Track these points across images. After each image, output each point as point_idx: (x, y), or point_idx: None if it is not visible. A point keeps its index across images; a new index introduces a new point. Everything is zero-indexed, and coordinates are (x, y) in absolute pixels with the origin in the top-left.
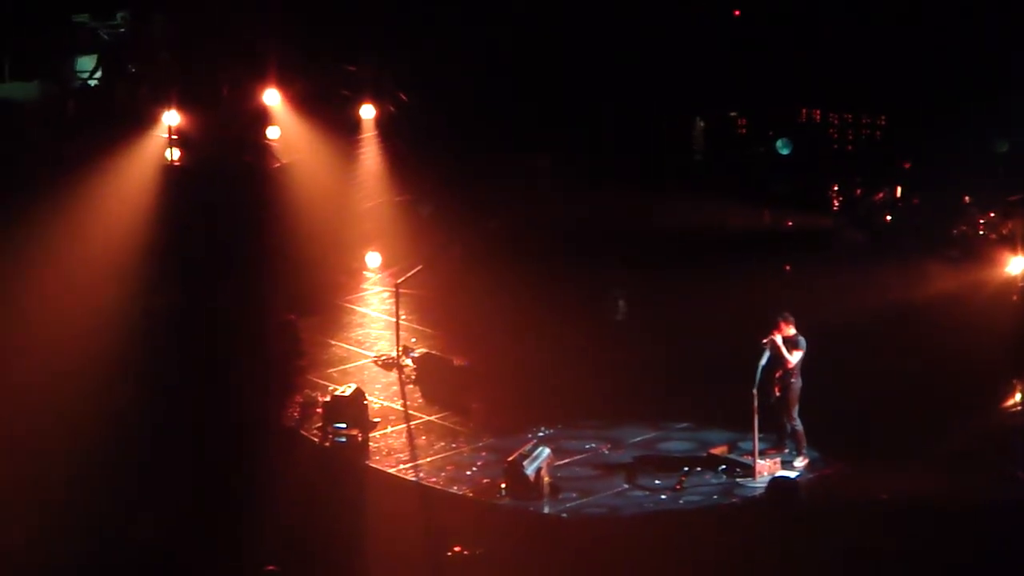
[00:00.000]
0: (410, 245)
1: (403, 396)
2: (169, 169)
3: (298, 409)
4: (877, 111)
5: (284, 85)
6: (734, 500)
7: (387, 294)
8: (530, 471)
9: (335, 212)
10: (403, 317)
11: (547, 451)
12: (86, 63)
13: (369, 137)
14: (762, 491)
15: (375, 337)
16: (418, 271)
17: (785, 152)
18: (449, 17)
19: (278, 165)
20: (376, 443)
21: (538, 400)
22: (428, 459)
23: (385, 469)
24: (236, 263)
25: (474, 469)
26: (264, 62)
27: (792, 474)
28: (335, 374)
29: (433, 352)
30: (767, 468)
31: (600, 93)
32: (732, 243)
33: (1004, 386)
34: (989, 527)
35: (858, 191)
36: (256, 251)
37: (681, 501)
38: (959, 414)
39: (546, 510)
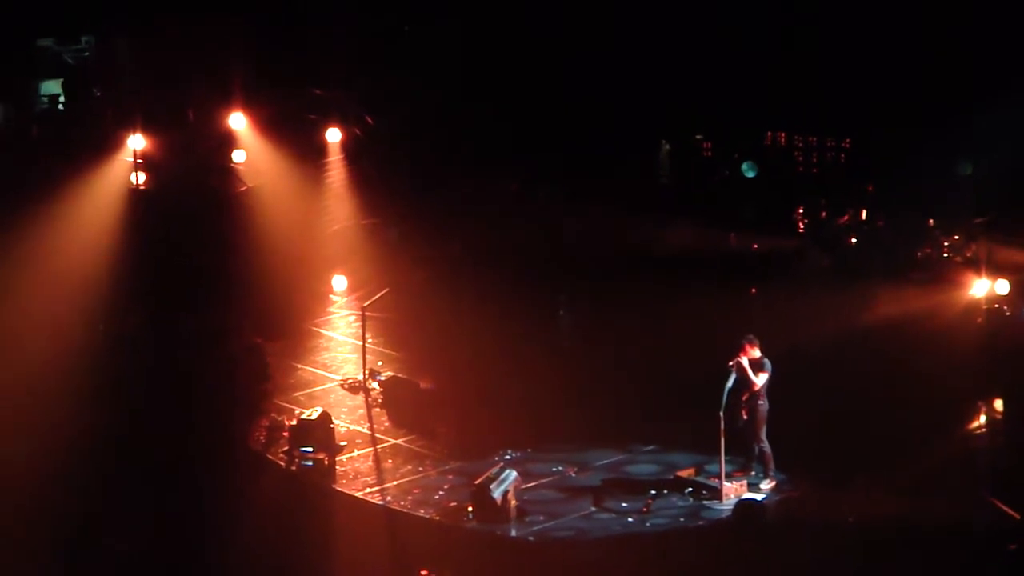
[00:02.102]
0: (376, 268)
1: (370, 419)
2: (134, 193)
3: (265, 433)
4: (842, 134)
5: (250, 108)
6: (701, 523)
7: (353, 317)
8: (497, 494)
9: (301, 235)
10: (369, 340)
11: (514, 474)
12: (50, 87)
13: (335, 160)
14: (729, 513)
15: (341, 360)
16: (384, 294)
17: (750, 175)
18: (415, 41)
19: (244, 189)
20: (343, 467)
21: (505, 423)
22: (395, 482)
23: (352, 493)
24: (202, 287)
25: (441, 492)
26: (230, 85)
27: (759, 496)
28: (302, 397)
29: (400, 375)
30: (734, 491)
31: (567, 117)
32: (698, 266)
33: (969, 408)
34: (955, 549)
35: (823, 214)
36: (222, 275)
37: (648, 524)
38: (925, 436)
39: (513, 533)
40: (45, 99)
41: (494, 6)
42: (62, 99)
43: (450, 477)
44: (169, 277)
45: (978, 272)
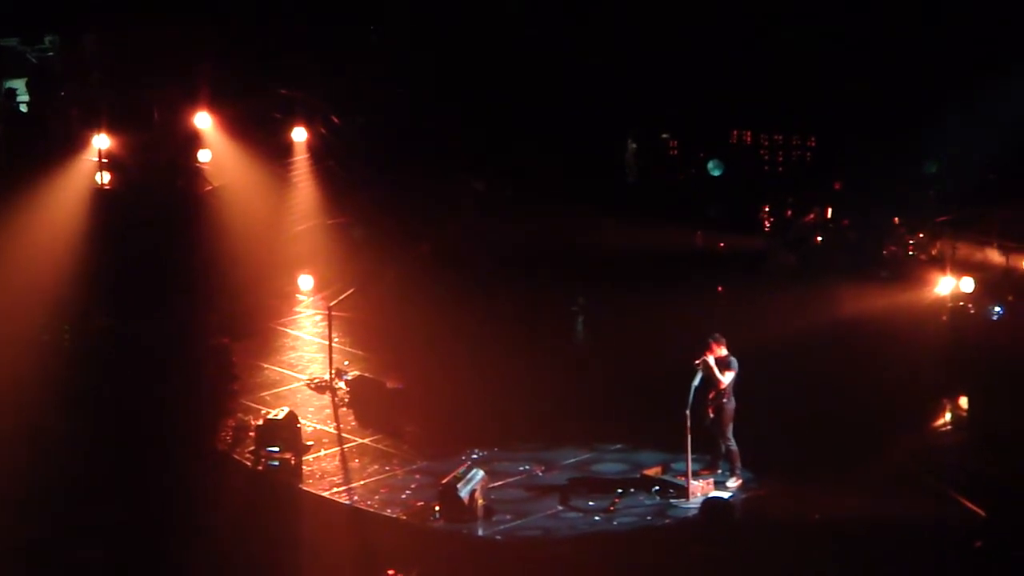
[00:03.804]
0: (342, 268)
1: (336, 419)
2: (100, 193)
3: (231, 433)
4: (807, 133)
5: (215, 108)
6: (667, 521)
7: (320, 317)
8: (464, 493)
9: (267, 235)
10: (336, 340)
11: (481, 473)
12: (14, 86)
13: (301, 160)
14: (695, 512)
15: (308, 360)
16: (351, 294)
17: (716, 174)
18: (382, 40)
19: (209, 188)
20: (309, 466)
21: (472, 422)
22: (362, 482)
23: (318, 492)
24: (168, 287)
25: (408, 492)
26: (195, 85)
27: (725, 494)
28: (268, 397)
29: (366, 375)
30: (700, 489)
31: (533, 116)
32: (665, 265)
33: (934, 405)
34: (920, 546)
35: (789, 212)
36: (188, 274)
37: (615, 523)
38: (891, 434)
39: (480, 532)
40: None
41: (461, 6)
42: (20, 97)
43: (417, 476)
44: (134, 277)
45: (943, 270)
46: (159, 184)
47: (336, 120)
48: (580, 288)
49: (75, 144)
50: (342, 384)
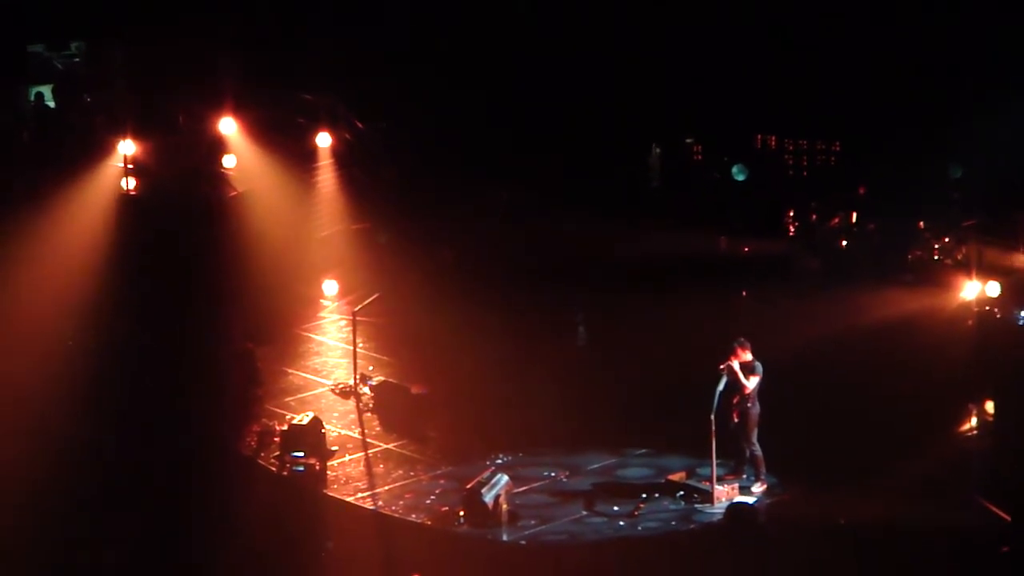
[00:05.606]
0: (367, 273)
1: (361, 424)
2: (125, 198)
3: (255, 438)
4: (832, 137)
5: (240, 113)
6: (692, 526)
7: (344, 322)
8: (488, 499)
9: (292, 240)
10: (360, 345)
11: (505, 478)
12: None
13: (325, 165)
14: (720, 517)
15: (332, 365)
16: (375, 299)
17: (741, 178)
18: (405, 45)
19: (234, 194)
20: (334, 471)
21: (496, 427)
22: (386, 487)
23: (343, 497)
24: (193, 292)
25: (432, 497)
26: (220, 91)
27: (750, 499)
28: (292, 403)
29: (391, 380)
30: (725, 494)
31: (558, 121)
32: (689, 269)
33: (960, 411)
34: (946, 551)
35: (813, 217)
36: (212, 280)
37: (639, 528)
38: (916, 439)
39: (504, 537)
40: (31, 101)
41: (485, 12)
42: (48, 101)
43: (441, 481)
44: (159, 282)
45: (968, 275)
46: (184, 190)
47: (360, 125)
48: (602, 294)
49: (101, 150)
50: (366, 389)
